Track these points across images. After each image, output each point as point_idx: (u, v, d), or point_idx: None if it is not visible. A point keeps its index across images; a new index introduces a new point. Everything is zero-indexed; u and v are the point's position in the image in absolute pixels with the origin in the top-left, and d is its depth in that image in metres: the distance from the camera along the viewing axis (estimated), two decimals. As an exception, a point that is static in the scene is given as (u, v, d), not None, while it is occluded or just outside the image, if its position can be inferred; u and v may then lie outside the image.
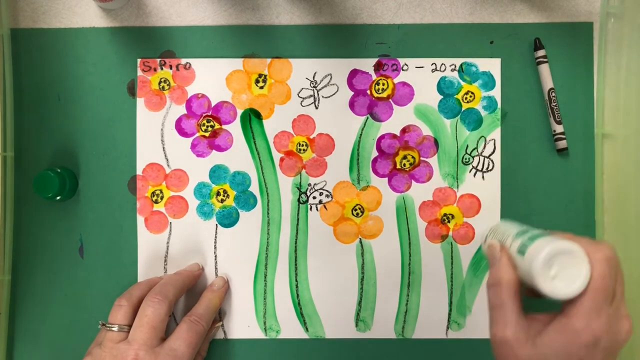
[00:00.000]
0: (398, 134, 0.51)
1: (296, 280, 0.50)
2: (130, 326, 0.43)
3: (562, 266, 0.36)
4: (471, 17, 0.51)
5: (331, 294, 0.50)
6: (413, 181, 0.51)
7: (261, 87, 0.51)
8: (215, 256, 0.50)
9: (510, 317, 0.38)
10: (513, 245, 0.40)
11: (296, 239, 0.51)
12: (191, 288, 0.49)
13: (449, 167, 0.51)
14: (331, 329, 0.50)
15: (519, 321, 0.38)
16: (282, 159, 0.51)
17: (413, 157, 0.51)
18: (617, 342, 0.37)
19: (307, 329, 0.50)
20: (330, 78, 0.51)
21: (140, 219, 0.50)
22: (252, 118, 0.51)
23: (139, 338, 0.42)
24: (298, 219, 0.51)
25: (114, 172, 0.50)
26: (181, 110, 0.51)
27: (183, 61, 0.51)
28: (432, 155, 0.51)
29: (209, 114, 0.51)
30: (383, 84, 0.51)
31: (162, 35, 0.51)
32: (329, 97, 0.51)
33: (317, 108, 0.51)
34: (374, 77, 0.51)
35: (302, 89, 0.51)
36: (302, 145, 0.51)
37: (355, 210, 0.51)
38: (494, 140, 0.51)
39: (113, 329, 0.43)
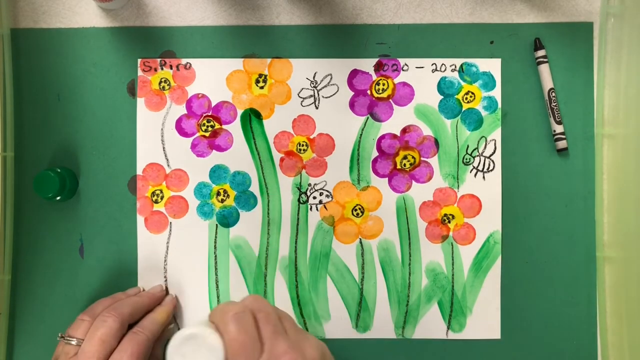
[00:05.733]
0: (398, 134, 0.51)
1: (296, 281, 0.50)
2: None
3: (195, 353, 0.36)
4: (471, 17, 0.51)
5: (331, 294, 0.50)
6: (413, 181, 0.51)
7: (261, 87, 0.51)
8: (215, 256, 0.50)
9: None
10: None
11: (296, 239, 0.51)
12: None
13: (450, 167, 0.51)
14: (331, 329, 0.50)
15: None
16: (282, 159, 0.51)
17: (413, 157, 0.51)
18: None
19: (307, 329, 0.50)
20: (331, 78, 0.51)
21: (140, 219, 0.50)
22: (252, 118, 0.51)
23: (87, 351, 0.42)
24: (298, 219, 0.51)
25: (114, 172, 0.50)
26: (181, 110, 0.51)
27: (183, 61, 0.51)
28: (432, 155, 0.51)
29: (209, 114, 0.51)
30: (383, 84, 0.51)
31: (162, 35, 0.51)
32: (329, 97, 0.51)
33: (317, 108, 0.51)
34: (374, 77, 0.51)
35: (302, 89, 0.51)
36: (302, 145, 0.51)
37: (356, 210, 0.51)
38: (495, 141, 0.51)
39: (72, 342, 0.43)
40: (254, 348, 0.36)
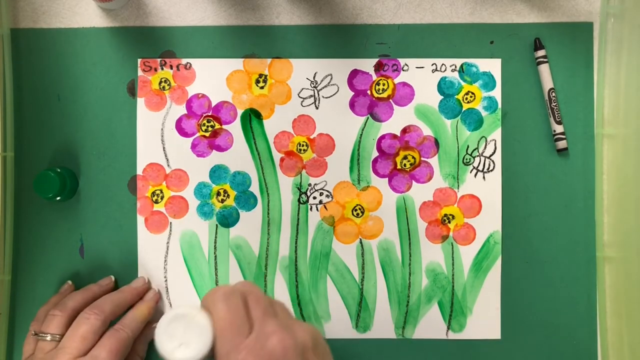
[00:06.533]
0: (398, 134, 0.51)
1: (296, 281, 0.50)
2: (62, 336, 0.44)
3: (184, 332, 0.36)
4: (471, 17, 0.51)
5: (331, 294, 0.50)
6: (413, 181, 0.51)
7: (261, 87, 0.51)
8: (215, 256, 0.50)
9: None
10: None
11: (296, 239, 0.51)
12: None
13: (450, 167, 0.51)
14: (331, 329, 0.50)
15: None
16: (282, 159, 0.51)
17: (413, 157, 0.51)
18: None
19: (307, 329, 0.50)
20: (331, 78, 0.51)
21: (140, 219, 0.50)
22: (252, 118, 0.51)
23: (67, 346, 0.42)
24: (298, 219, 0.51)
25: (114, 172, 0.50)
26: (181, 110, 0.51)
27: (183, 61, 0.51)
28: (432, 155, 0.51)
29: (209, 114, 0.51)
30: (383, 84, 0.51)
31: (162, 35, 0.51)
32: (329, 97, 0.51)
33: (317, 108, 0.51)
34: (374, 77, 0.51)
35: (303, 89, 0.51)
36: (303, 146, 0.51)
37: (356, 210, 0.51)
38: (495, 141, 0.51)
39: (46, 338, 0.44)
40: (242, 327, 0.36)
